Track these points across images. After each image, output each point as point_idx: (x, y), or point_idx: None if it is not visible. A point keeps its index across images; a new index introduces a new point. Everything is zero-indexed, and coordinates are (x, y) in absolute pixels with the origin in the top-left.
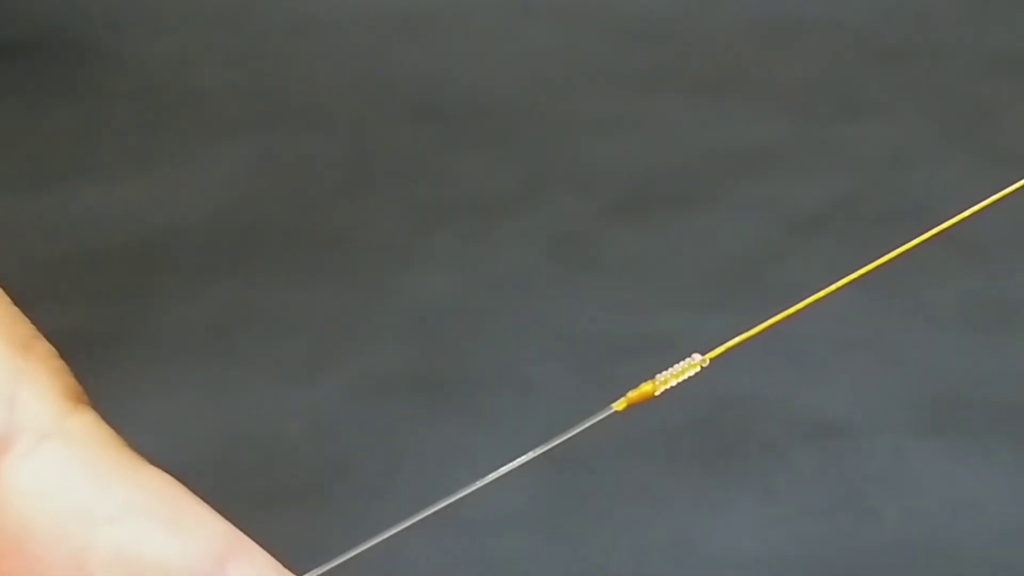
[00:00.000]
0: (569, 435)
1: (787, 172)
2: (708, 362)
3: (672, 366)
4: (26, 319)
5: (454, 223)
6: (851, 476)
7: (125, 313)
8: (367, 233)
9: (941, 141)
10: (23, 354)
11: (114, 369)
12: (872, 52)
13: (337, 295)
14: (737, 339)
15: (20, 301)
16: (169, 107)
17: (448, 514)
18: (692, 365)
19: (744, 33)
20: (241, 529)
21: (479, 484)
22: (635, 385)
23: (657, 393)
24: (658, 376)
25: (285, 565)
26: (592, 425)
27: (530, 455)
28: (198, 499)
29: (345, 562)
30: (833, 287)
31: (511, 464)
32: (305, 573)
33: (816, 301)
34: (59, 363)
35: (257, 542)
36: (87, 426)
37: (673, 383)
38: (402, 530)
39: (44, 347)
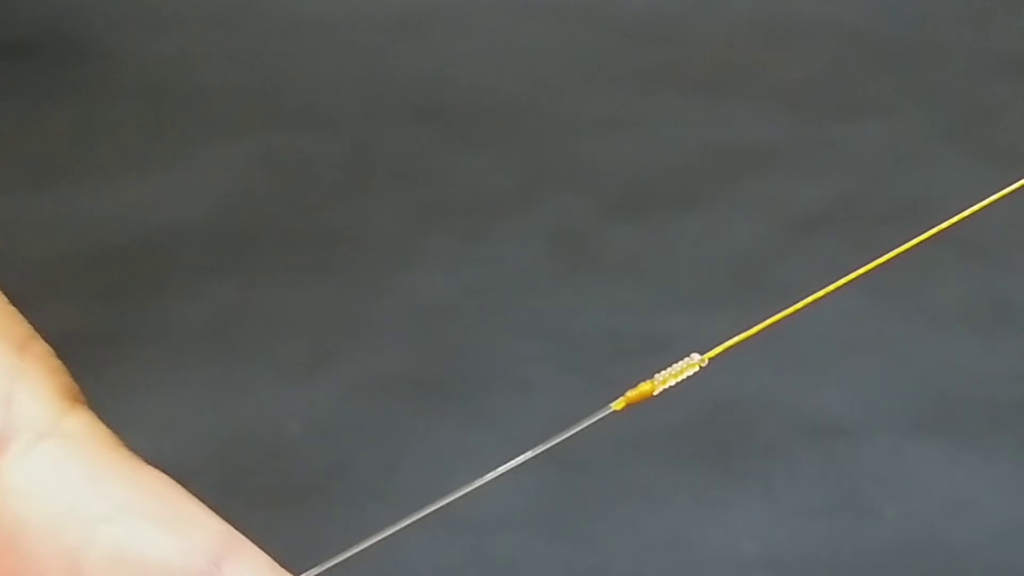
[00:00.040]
0: (568, 435)
1: (787, 172)
2: (707, 362)
3: (671, 366)
4: (23, 319)
5: (454, 223)
6: (851, 476)
7: (125, 313)
8: (367, 233)
9: (941, 141)
10: (20, 354)
11: (114, 369)
12: (872, 52)
13: (337, 295)
14: (736, 339)
15: (20, 301)
16: (169, 107)
17: (448, 514)
18: (691, 365)
19: (744, 33)
20: (241, 529)
21: (479, 483)
22: (634, 385)
23: (656, 393)
24: (657, 376)
25: (285, 565)
26: (591, 425)
27: (529, 454)
28: (194, 498)
29: (345, 561)
30: (833, 287)
31: (510, 463)
32: (305, 573)
33: (816, 301)
34: (56, 363)
35: (257, 542)
36: (83, 425)
37: (672, 383)
38: (402, 530)
39: (41, 347)
